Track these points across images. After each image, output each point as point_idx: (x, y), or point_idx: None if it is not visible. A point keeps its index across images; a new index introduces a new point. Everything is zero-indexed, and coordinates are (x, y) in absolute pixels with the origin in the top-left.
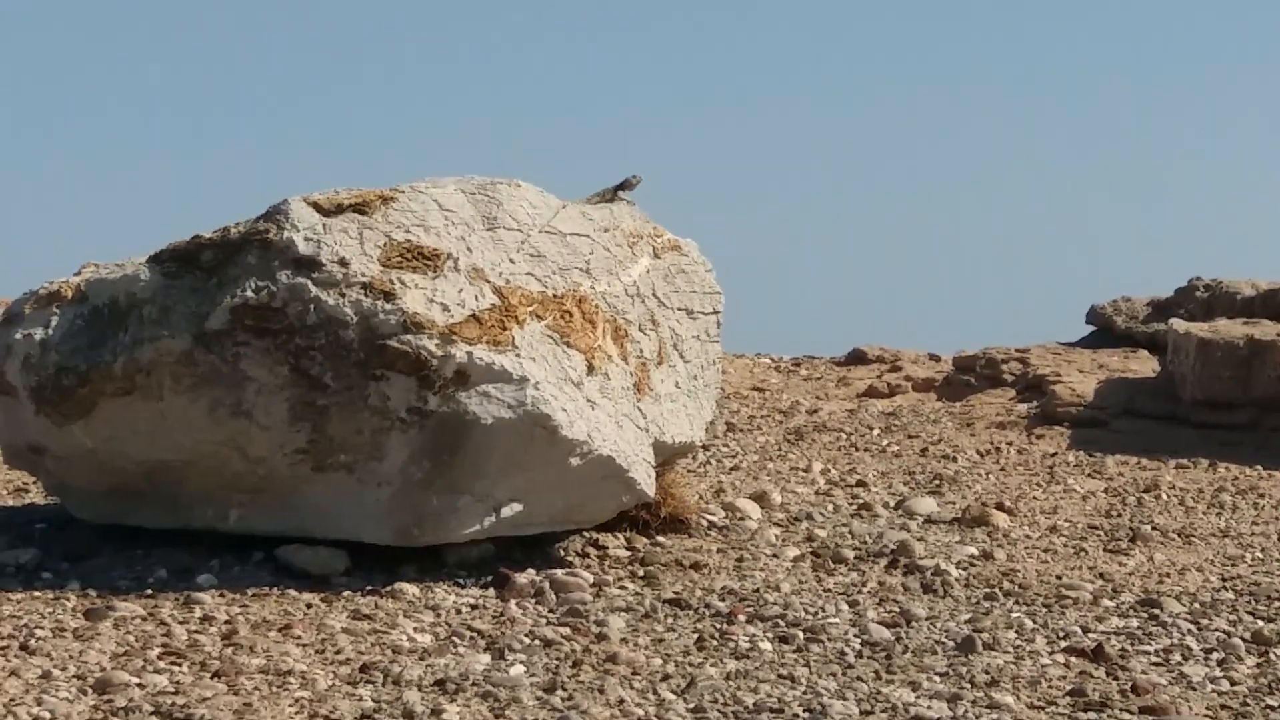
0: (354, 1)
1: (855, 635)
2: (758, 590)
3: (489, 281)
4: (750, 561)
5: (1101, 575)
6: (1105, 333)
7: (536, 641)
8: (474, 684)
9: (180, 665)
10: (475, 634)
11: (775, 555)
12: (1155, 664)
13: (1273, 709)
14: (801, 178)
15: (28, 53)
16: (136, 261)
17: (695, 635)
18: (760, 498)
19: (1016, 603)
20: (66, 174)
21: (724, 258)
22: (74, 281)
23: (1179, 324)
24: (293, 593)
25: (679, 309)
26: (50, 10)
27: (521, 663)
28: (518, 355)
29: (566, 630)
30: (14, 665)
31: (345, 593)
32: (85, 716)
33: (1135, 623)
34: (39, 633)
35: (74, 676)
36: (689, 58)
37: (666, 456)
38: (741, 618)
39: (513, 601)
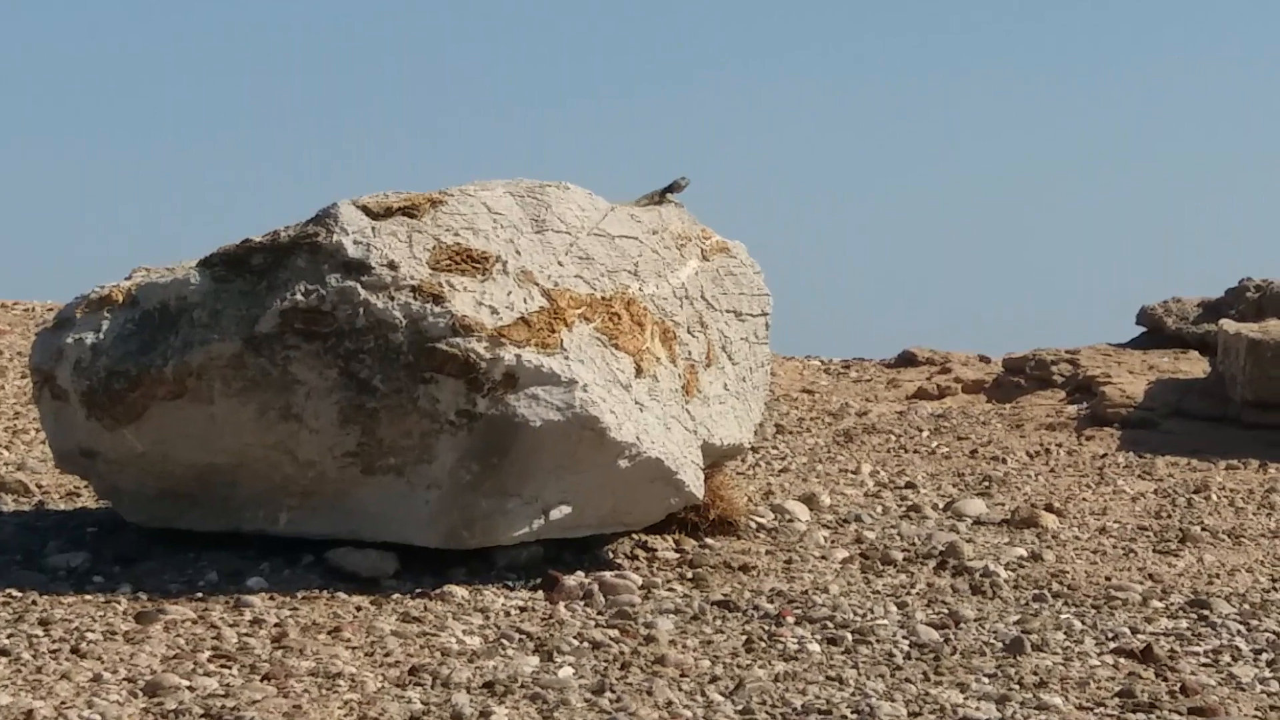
0: (406, 5)
1: (904, 637)
2: (806, 592)
3: (537, 284)
4: (799, 563)
5: (1151, 576)
6: (1155, 334)
7: (585, 644)
8: (523, 686)
9: (230, 668)
10: (524, 636)
11: (824, 557)
12: (1204, 665)
13: None
14: (852, 180)
15: (83, 56)
16: (187, 265)
17: (744, 637)
18: (809, 500)
19: (1065, 604)
20: (119, 178)
21: (773, 260)
22: (125, 285)
23: (1229, 324)
24: (342, 595)
25: (727, 311)
26: (106, 13)
27: (570, 665)
28: (566, 358)
29: (615, 632)
30: (65, 668)
31: (394, 595)
32: (136, 719)
33: (1184, 624)
34: (90, 636)
35: (124, 679)
36: (740, 59)
37: (715, 458)
38: (790, 619)
39: (561, 604)
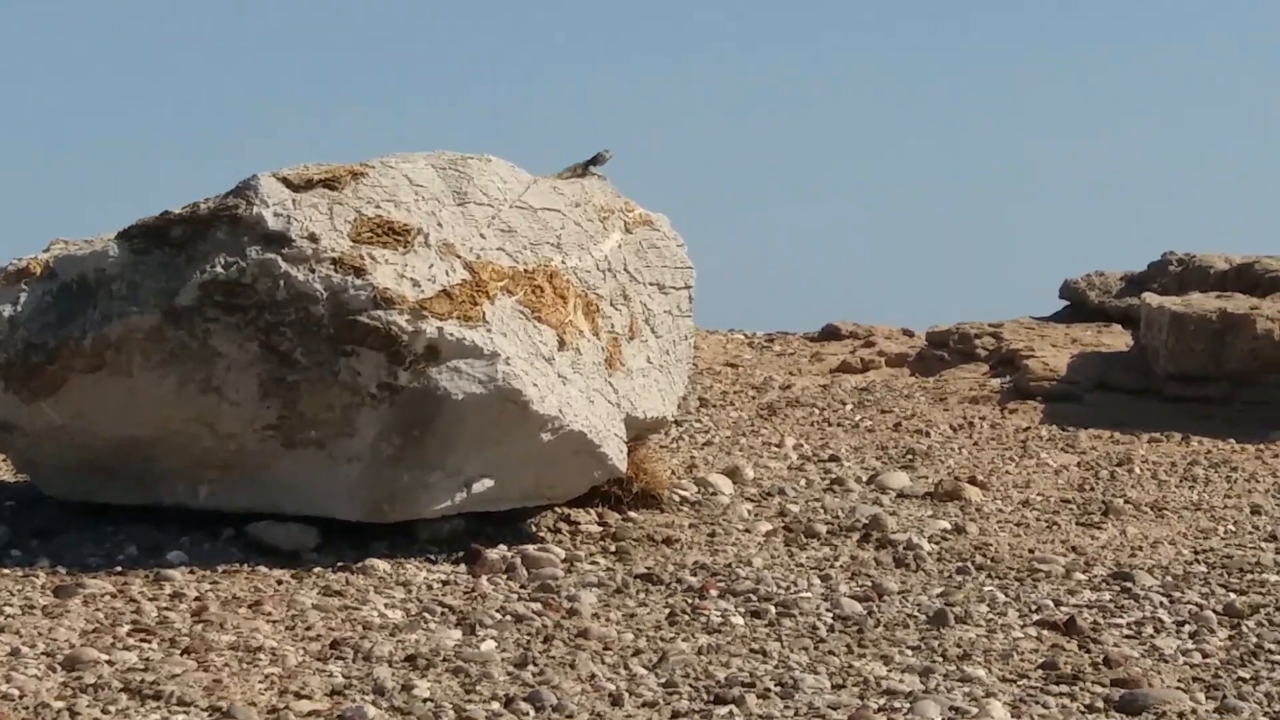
0: None
1: (827, 609)
2: (730, 565)
3: (460, 257)
4: (722, 536)
5: (1074, 549)
6: (1079, 307)
7: (508, 617)
8: (445, 659)
9: (150, 642)
10: (446, 609)
11: (747, 530)
12: (1127, 637)
13: (1244, 681)
14: (775, 152)
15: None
16: (105, 238)
17: (667, 610)
18: (733, 473)
19: (989, 576)
20: (35, 150)
21: (696, 233)
22: (42, 258)
23: (1152, 298)
24: (263, 569)
25: (651, 284)
26: None
27: (493, 638)
28: (488, 330)
29: (538, 605)
30: None
31: (316, 569)
32: (54, 693)
33: (1107, 596)
34: (8, 610)
35: (43, 654)
36: (660, 29)
37: (638, 431)
38: (713, 592)
39: (484, 577)
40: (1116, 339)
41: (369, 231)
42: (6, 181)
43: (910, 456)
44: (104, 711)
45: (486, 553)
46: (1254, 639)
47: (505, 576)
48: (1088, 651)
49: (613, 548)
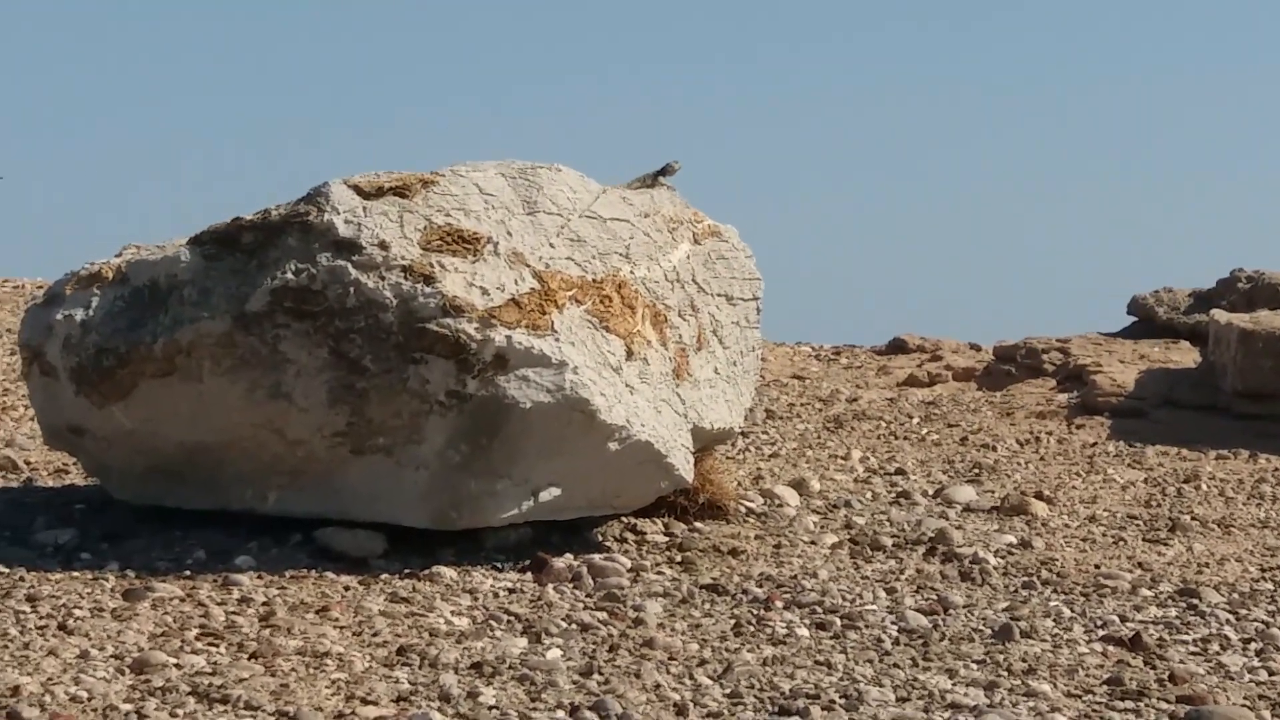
0: None
1: (892, 622)
2: (795, 577)
3: (529, 266)
4: (788, 548)
5: (1140, 565)
6: (1147, 323)
7: (573, 625)
8: (510, 667)
9: (217, 646)
10: (512, 617)
11: (813, 542)
12: (1193, 653)
13: None
14: (844, 165)
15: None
16: (177, 243)
17: (732, 621)
18: (799, 485)
19: (1054, 591)
20: (111, 156)
21: (765, 245)
22: (115, 263)
23: (1220, 315)
24: (330, 575)
25: (719, 295)
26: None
27: (558, 646)
28: (557, 339)
29: (603, 615)
30: (52, 645)
31: (383, 575)
32: (122, 696)
33: (1173, 612)
34: (77, 613)
35: (111, 656)
36: (736, 43)
37: (705, 442)
38: (779, 604)
39: (550, 586)
40: (1184, 355)
41: (439, 240)
42: (80, 186)
43: (976, 471)
44: (171, 714)
45: (553, 561)
46: None
47: (571, 585)
48: (1153, 668)
49: (678, 558)
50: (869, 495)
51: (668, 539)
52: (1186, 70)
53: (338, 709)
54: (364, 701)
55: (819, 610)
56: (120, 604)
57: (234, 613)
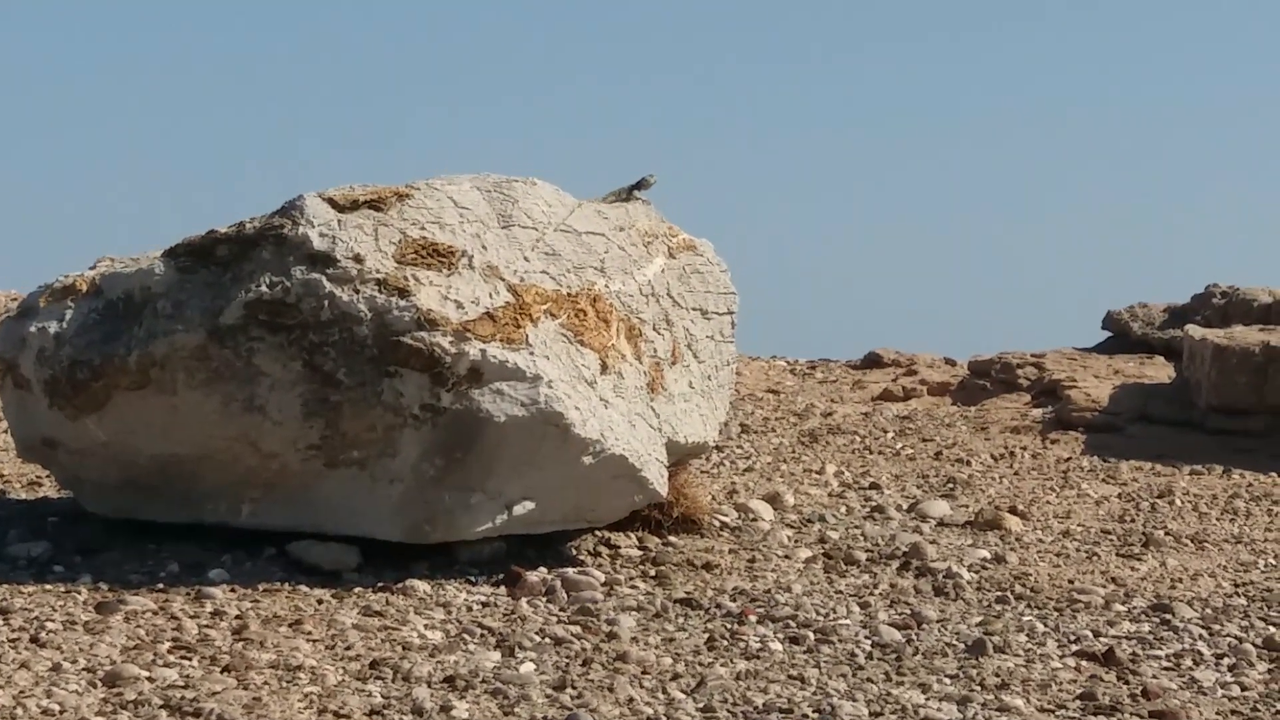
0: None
1: (866, 637)
2: (769, 591)
3: (503, 279)
4: (762, 562)
5: (1114, 580)
6: (1121, 339)
7: (547, 639)
8: (484, 681)
9: (190, 659)
10: (486, 631)
11: (787, 556)
12: (1166, 669)
13: None
14: (817, 180)
15: (44, 47)
16: (151, 256)
17: (706, 635)
18: (773, 499)
19: (1028, 606)
20: (84, 168)
21: (740, 259)
22: (89, 275)
23: (1195, 330)
24: (304, 588)
25: (693, 309)
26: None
27: (531, 660)
28: (531, 353)
29: (577, 629)
30: (24, 657)
31: (356, 589)
32: (95, 709)
33: (1147, 627)
34: (50, 625)
35: (84, 669)
36: (705, 59)
37: (679, 456)
38: (752, 618)
39: (524, 599)
40: (1159, 371)
41: (413, 253)
42: (54, 199)
43: (951, 485)
44: None
45: (526, 575)
46: None
47: (545, 599)
48: (1126, 683)
49: (652, 572)
50: (843, 510)
51: (642, 553)
52: (1162, 89)
53: None
54: (337, 715)
55: (793, 624)
56: (93, 617)
57: (207, 626)
